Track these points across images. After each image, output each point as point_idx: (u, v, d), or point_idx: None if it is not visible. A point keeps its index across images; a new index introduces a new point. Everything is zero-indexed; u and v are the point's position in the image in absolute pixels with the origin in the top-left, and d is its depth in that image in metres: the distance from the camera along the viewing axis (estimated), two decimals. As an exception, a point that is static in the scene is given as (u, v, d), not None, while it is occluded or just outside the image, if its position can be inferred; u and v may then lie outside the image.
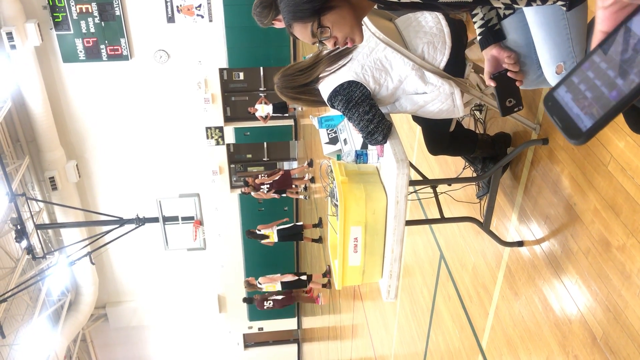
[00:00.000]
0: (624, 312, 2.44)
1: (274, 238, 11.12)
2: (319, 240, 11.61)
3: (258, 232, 11.09)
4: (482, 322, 3.94)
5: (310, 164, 11.94)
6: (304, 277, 10.74)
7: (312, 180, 12.05)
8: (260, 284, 10.41)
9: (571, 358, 2.87)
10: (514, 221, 3.40)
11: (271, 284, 10.42)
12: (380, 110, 2.64)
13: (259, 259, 15.72)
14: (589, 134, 0.71)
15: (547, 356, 3.10)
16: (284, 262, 16.48)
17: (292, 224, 11.44)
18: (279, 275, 10.53)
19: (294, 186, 11.76)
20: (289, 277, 10.62)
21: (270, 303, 12.86)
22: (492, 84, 1.86)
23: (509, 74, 1.83)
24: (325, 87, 2.62)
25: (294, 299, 13.87)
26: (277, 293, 13.06)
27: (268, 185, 11.29)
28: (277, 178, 11.40)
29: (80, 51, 12.57)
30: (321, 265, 12.05)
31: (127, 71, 13.08)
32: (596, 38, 0.72)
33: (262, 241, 11.17)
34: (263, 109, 12.14)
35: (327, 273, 10.96)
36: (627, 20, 0.67)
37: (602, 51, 0.70)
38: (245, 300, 13.40)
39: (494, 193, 3.20)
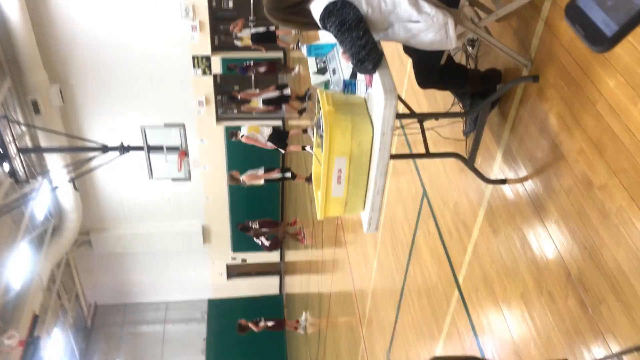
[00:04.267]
0: (599, 250, 2.48)
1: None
2: (311, 179, 11.47)
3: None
4: (460, 258, 4.01)
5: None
6: (288, 175, 10.52)
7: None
8: (245, 182, 10.23)
9: (545, 294, 2.93)
10: (498, 159, 3.40)
11: (255, 181, 10.24)
12: (373, 38, 2.56)
13: (244, 193, 15.76)
14: (615, 39, 0.67)
15: (522, 292, 3.17)
16: (269, 198, 16.57)
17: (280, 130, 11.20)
18: (262, 172, 10.30)
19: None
20: (273, 175, 10.36)
21: (260, 242, 13.24)
22: None
23: None
24: (317, 6, 2.53)
25: (280, 238, 14.15)
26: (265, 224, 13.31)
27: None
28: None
29: (65, -29, 12.08)
30: (305, 202, 12.13)
31: (113, -6, 12.64)
32: None
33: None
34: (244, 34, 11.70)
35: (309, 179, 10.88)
36: None
37: None
38: (242, 229, 13.49)
39: (481, 130, 3.19)
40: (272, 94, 11.32)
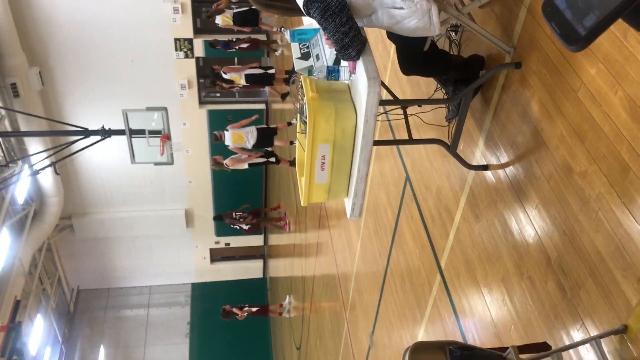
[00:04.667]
0: (579, 235, 2.51)
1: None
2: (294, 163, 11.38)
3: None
4: (443, 242, 4.05)
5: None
6: (272, 159, 10.45)
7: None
8: (227, 165, 10.14)
9: (525, 279, 2.98)
10: (480, 145, 3.42)
11: (239, 165, 10.14)
12: (356, 24, 2.56)
13: (227, 177, 15.72)
14: (588, 39, 0.68)
15: (503, 276, 3.22)
16: (252, 182, 16.54)
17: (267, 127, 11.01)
18: (246, 156, 10.21)
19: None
20: (257, 159, 10.27)
21: (238, 227, 13.23)
22: None
23: None
24: None
25: (261, 226, 14.13)
26: (247, 217, 13.28)
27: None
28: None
29: (43, -50, 11.82)
30: (289, 186, 12.13)
31: (92, -25, 12.42)
32: None
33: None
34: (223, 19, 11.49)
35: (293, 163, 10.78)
36: None
37: None
38: (215, 218, 13.64)
39: (463, 116, 3.20)
40: (256, 70, 11.19)
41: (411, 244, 4.74)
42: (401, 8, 2.54)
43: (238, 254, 18.96)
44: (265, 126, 10.13)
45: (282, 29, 11.30)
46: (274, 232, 16.16)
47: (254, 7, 11.18)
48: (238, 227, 13.40)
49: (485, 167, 3.34)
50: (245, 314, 13.54)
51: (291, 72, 10.48)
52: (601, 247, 2.38)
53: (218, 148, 13.72)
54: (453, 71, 3.17)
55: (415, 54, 2.96)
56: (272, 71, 11.12)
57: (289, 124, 10.01)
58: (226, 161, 10.01)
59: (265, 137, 9.82)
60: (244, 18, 11.37)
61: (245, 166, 10.12)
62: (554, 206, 2.70)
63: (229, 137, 9.60)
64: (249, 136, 9.61)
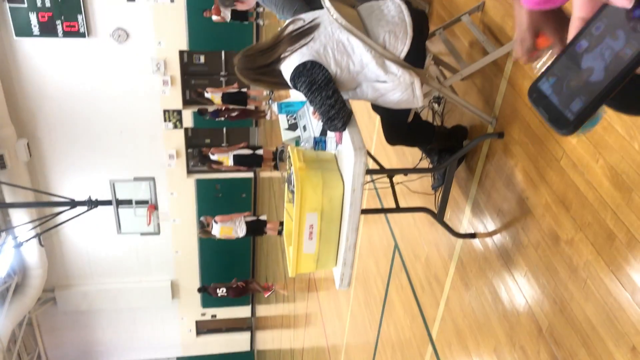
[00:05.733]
0: (569, 304, 2.50)
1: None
2: (282, 232, 11.40)
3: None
4: (433, 312, 3.99)
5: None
6: (262, 225, 10.31)
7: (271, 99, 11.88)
8: (216, 235, 9.96)
9: (517, 349, 2.93)
10: (467, 213, 3.44)
11: (228, 234, 9.94)
12: (342, 97, 2.62)
13: (214, 246, 15.59)
14: (577, 123, 0.70)
15: (495, 347, 3.16)
16: (240, 251, 16.39)
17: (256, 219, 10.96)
18: (234, 230, 10.06)
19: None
20: (245, 229, 10.15)
21: (223, 291, 12.93)
22: None
23: None
24: (287, 67, 2.59)
25: (248, 290, 13.87)
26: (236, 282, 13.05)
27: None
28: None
29: (35, 26, 12.12)
30: (277, 254, 12.03)
31: (83, 49, 12.70)
32: (574, 25, 0.71)
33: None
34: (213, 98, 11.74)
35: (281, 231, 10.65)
36: (605, 5, 0.66)
37: (582, 39, 0.69)
38: (200, 290, 13.44)
39: (449, 185, 3.24)
40: (244, 151, 11.30)
41: (401, 313, 4.67)
42: (385, 82, 2.62)
43: (225, 326, 18.51)
44: (254, 218, 10.10)
45: (270, 101, 11.58)
46: (262, 302, 15.88)
47: (242, 88, 11.58)
48: (225, 289, 12.94)
49: (473, 235, 3.35)
50: None
51: (278, 152, 10.64)
52: (592, 316, 2.36)
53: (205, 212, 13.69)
54: (437, 141, 3.23)
55: (399, 125, 3.02)
56: (260, 152, 11.27)
57: (280, 230, 9.97)
58: (214, 231, 9.94)
59: (255, 230, 9.87)
60: (232, 99, 11.63)
61: (240, 232, 10.04)
62: (542, 274, 2.69)
63: (217, 230, 9.59)
64: (237, 230, 9.63)
